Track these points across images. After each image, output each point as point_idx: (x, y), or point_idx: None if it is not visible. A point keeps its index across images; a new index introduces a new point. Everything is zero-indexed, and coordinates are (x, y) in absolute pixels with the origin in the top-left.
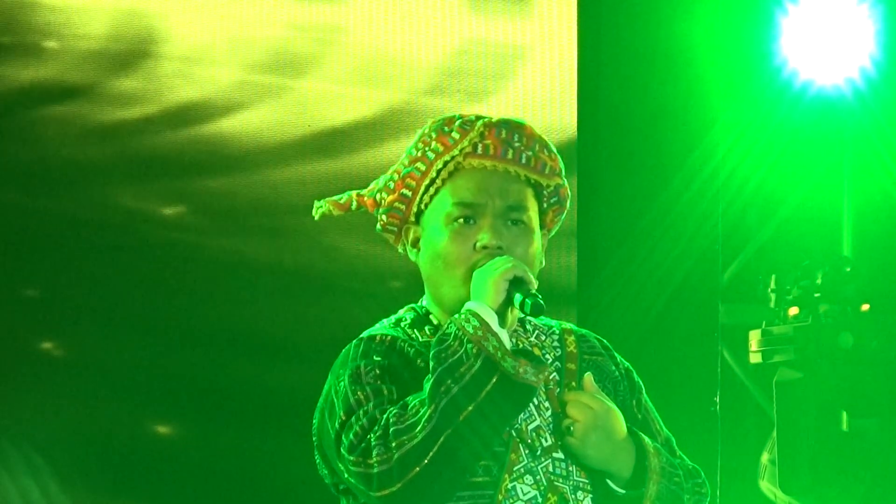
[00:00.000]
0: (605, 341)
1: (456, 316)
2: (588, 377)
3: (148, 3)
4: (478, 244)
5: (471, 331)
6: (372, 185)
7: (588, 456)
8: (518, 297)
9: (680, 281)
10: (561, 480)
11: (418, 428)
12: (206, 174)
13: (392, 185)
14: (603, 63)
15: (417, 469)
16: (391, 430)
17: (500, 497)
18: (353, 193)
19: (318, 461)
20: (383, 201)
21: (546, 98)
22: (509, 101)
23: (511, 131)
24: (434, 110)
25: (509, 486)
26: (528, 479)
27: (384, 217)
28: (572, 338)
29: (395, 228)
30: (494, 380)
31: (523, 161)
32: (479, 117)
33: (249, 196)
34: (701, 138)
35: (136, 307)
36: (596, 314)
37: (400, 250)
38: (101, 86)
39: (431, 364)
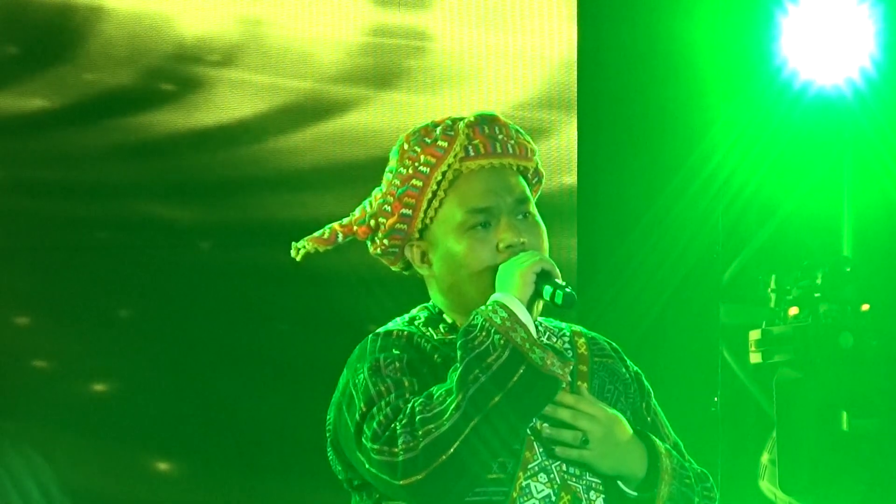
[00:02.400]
0: (614, 344)
1: (482, 307)
2: (583, 388)
3: (209, 14)
4: (501, 245)
5: (498, 322)
6: (357, 214)
7: (601, 465)
8: (548, 289)
9: (680, 281)
10: (574, 480)
11: (445, 416)
12: (267, 190)
13: (389, 207)
14: (603, 63)
15: (443, 457)
16: (417, 418)
17: (515, 494)
18: (335, 225)
19: (330, 457)
20: (382, 226)
21: (546, 97)
22: (509, 100)
23: (491, 125)
24: (435, 110)
25: (524, 483)
26: (543, 477)
27: (385, 241)
28: (583, 340)
29: (397, 249)
30: (522, 370)
31: (510, 151)
32: (453, 120)
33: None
34: (701, 138)
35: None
36: (596, 314)
37: (396, 269)
38: (154, 95)
39: (459, 353)
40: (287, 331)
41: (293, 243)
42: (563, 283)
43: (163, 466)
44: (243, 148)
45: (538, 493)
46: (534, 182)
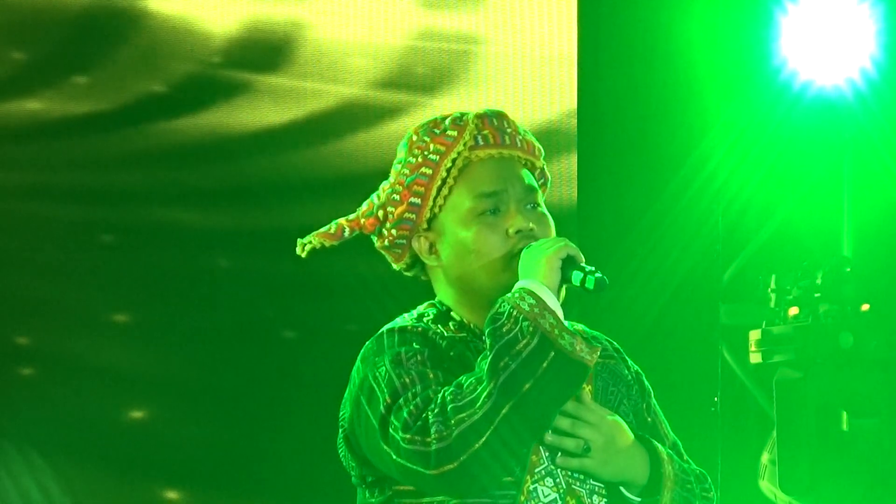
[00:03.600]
0: (615, 343)
1: (508, 295)
2: (585, 394)
3: (247, 17)
4: (510, 230)
5: (526, 308)
6: (364, 207)
7: (602, 473)
8: (577, 274)
9: (680, 281)
10: (578, 484)
11: (478, 404)
12: (307, 198)
13: (398, 196)
14: (603, 63)
15: (476, 446)
16: (449, 407)
17: (523, 498)
18: (342, 220)
19: (342, 454)
20: (390, 215)
21: (546, 98)
22: (509, 100)
23: (500, 119)
24: (433, 110)
25: (531, 487)
26: (549, 481)
27: (393, 231)
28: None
29: (404, 241)
30: (552, 355)
31: (519, 145)
32: (462, 113)
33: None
34: (701, 138)
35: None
36: (596, 314)
37: (398, 268)
38: (191, 101)
39: (488, 341)
40: (298, 342)
41: (299, 239)
42: (592, 268)
43: (171, 495)
44: (283, 155)
45: (545, 496)
46: (540, 182)
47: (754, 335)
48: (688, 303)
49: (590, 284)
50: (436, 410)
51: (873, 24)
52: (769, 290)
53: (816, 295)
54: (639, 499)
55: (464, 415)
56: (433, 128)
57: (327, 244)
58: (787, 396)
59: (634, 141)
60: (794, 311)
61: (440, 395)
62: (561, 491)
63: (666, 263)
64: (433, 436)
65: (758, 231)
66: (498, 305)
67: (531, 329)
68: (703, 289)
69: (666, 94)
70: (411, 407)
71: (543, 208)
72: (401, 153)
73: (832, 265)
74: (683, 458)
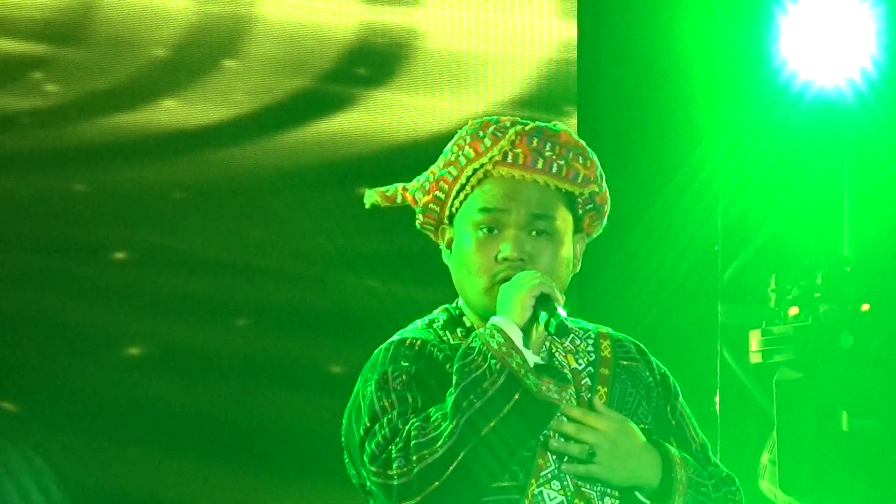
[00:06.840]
0: (641, 345)
1: (481, 330)
2: (596, 398)
3: (355, 24)
4: (499, 255)
5: (495, 346)
6: (414, 182)
7: (611, 478)
8: (544, 315)
9: (680, 281)
10: (588, 486)
11: (439, 442)
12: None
13: (427, 186)
14: (603, 63)
15: (436, 483)
16: (412, 443)
17: (527, 502)
18: (399, 187)
19: (346, 461)
20: (420, 201)
21: (546, 97)
22: (509, 100)
23: (543, 140)
24: (435, 111)
25: (536, 491)
26: (556, 484)
27: (421, 216)
28: (608, 342)
29: (432, 227)
30: (517, 396)
31: (554, 171)
32: (513, 123)
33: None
34: (701, 138)
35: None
36: (596, 314)
37: (440, 245)
38: (293, 115)
39: (455, 378)
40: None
41: (366, 190)
42: (559, 311)
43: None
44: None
45: (551, 500)
46: (587, 208)
47: (754, 335)
48: (687, 303)
49: (550, 328)
50: (399, 445)
51: (873, 24)
52: (769, 290)
53: (816, 295)
54: (650, 502)
55: (425, 451)
56: (479, 129)
57: (383, 205)
58: (787, 396)
59: (634, 140)
60: (794, 311)
61: (406, 429)
62: (569, 494)
63: (665, 263)
64: (395, 471)
65: (758, 231)
66: (471, 340)
67: (499, 367)
68: (702, 289)
69: (666, 94)
70: (379, 438)
71: (553, 236)
72: (450, 142)
73: (832, 265)
74: (711, 461)
